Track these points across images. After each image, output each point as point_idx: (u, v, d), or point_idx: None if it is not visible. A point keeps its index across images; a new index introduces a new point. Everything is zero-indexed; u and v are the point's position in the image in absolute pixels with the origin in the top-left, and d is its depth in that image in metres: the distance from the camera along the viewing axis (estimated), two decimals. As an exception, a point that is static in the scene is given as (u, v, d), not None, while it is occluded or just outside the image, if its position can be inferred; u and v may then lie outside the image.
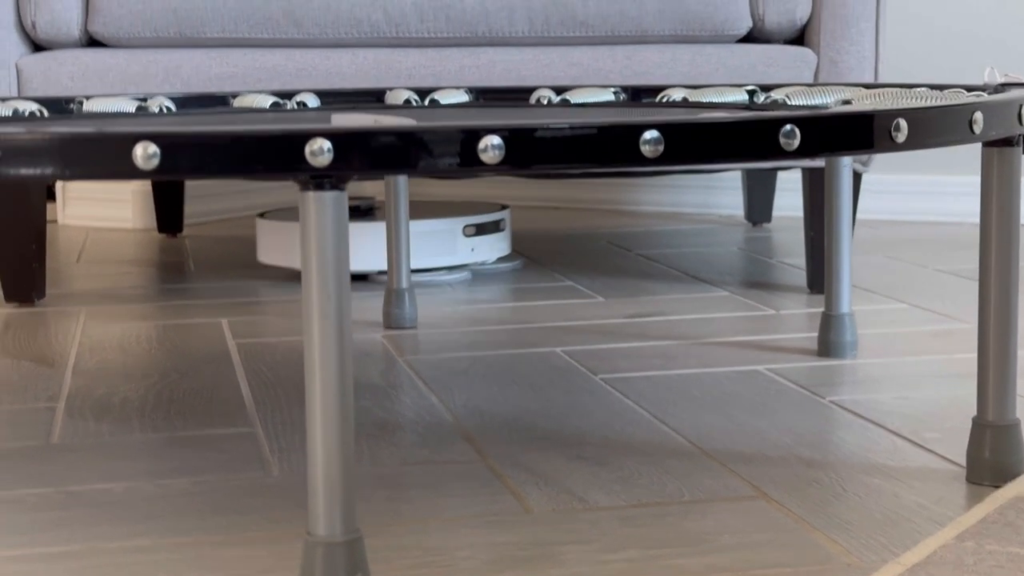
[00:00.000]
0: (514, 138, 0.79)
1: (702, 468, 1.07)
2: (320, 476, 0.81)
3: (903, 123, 0.87)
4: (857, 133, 0.86)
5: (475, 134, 0.79)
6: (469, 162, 0.79)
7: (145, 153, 0.77)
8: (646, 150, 0.81)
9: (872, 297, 1.77)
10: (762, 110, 1.24)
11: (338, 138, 0.77)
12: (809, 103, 1.35)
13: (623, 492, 1.02)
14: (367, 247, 1.89)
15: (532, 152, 0.79)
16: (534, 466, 1.09)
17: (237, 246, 2.31)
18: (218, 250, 2.26)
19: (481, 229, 1.94)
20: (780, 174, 2.51)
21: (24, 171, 0.78)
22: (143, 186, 2.55)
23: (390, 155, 0.78)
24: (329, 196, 0.80)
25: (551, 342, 1.54)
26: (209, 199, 2.62)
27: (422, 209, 2.04)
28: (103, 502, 1.01)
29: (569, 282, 1.92)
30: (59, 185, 2.59)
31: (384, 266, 1.88)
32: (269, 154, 0.77)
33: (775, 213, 2.55)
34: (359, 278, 1.95)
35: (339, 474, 0.81)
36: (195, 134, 0.77)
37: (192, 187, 2.55)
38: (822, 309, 1.70)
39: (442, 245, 1.91)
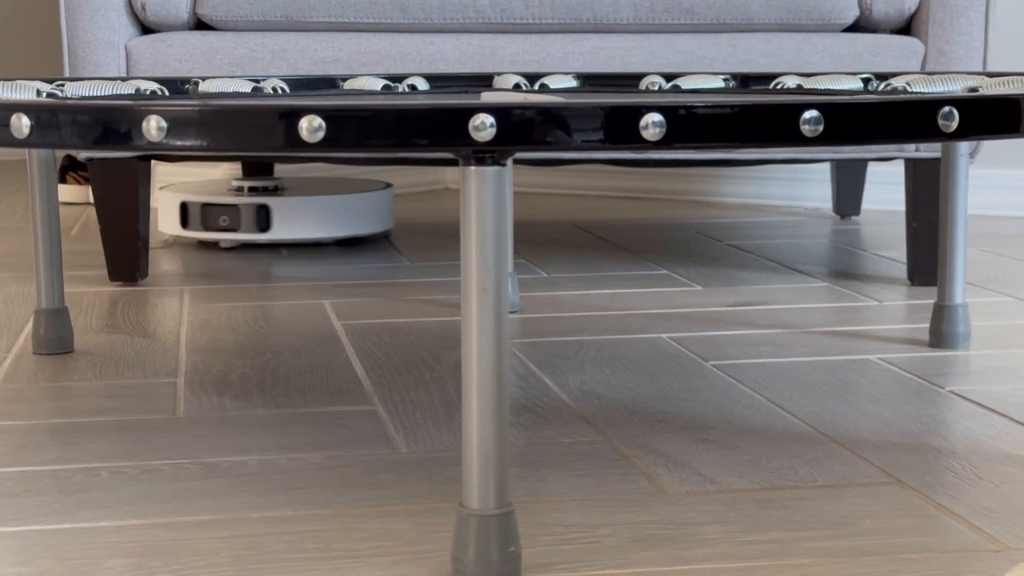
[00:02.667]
0: (676, 115, 0.79)
1: (830, 454, 1.07)
2: (475, 449, 0.81)
3: (1060, 107, 0.86)
4: (1014, 116, 0.85)
5: (637, 111, 0.79)
6: (630, 139, 0.79)
7: (310, 126, 0.78)
8: (805, 130, 0.81)
9: (975, 290, 1.76)
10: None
11: (501, 113, 0.77)
12: (932, 90, 1.34)
13: (755, 475, 1.02)
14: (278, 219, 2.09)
15: (693, 130, 0.79)
16: (660, 448, 1.09)
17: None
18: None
19: None
20: (869, 166, 2.49)
21: (188, 143, 0.79)
22: (232, 170, 2.57)
23: (551, 132, 0.78)
24: (490, 171, 0.80)
25: (656, 328, 1.54)
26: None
27: (303, 186, 2.20)
28: (239, 473, 1.02)
29: (664, 270, 1.91)
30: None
31: (282, 237, 2.09)
32: (433, 128, 0.78)
33: (862, 206, 2.53)
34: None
35: (494, 448, 0.81)
36: (361, 107, 0.78)
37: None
38: (926, 300, 1.69)
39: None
